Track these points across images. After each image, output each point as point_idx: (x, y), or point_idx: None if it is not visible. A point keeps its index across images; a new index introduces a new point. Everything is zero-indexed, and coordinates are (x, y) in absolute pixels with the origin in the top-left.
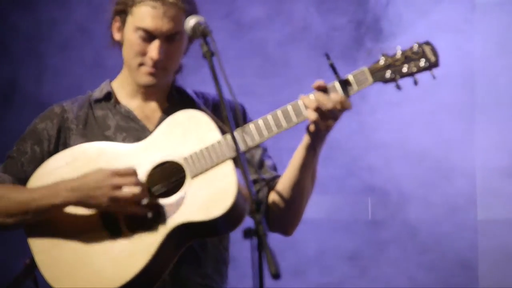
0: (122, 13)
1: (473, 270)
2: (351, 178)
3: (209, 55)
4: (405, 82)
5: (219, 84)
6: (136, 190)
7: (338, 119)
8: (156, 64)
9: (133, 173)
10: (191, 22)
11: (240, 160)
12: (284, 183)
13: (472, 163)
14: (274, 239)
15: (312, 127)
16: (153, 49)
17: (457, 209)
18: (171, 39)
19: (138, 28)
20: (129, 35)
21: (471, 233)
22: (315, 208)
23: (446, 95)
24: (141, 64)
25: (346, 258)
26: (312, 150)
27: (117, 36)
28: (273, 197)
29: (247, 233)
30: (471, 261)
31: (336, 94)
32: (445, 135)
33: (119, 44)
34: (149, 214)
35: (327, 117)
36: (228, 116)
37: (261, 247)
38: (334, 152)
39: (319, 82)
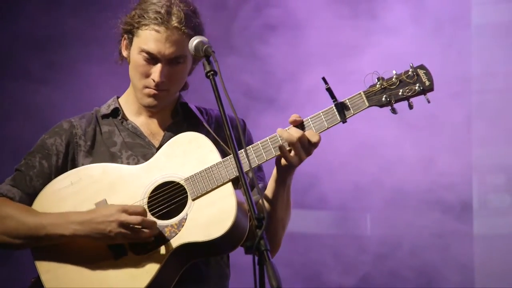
0: (129, 33)
1: (470, 283)
2: None
3: (212, 75)
4: (400, 106)
5: (222, 103)
6: (143, 231)
7: (309, 154)
8: (158, 86)
9: (142, 211)
10: (194, 42)
11: (242, 180)
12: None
13: (469, 178)
14: None
15: (283, 161)
16: (156, 72)
17: (453, 224)
18: (174, 62)
19: (142, 50)
20: (134, 55)
21: (467, 247)
22: None
23: (443, 113)
24: (145, 86)
25: None
26: (282, 183)
27: (125, 53)
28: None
29: (249, 249)
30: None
31: (308, 130)
32: (442, 153)
33: (127, 61)
34: (152, 238)
35: (300, 152)
36: (232, 136)
37: (262, 262)
38: None
39: (295, 116)
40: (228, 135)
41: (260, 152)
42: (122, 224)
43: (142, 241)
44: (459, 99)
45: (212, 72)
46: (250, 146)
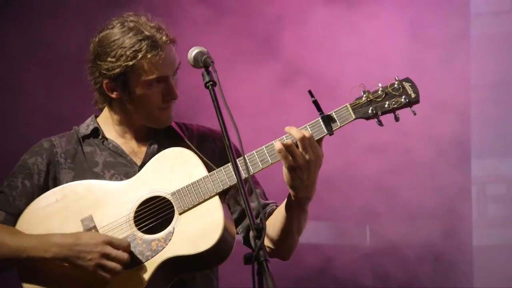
0: (120, 76)
1: None
2: None
3: (211, 85)
4: (386, 119)
5: (221, 114)
6: (124, 265)
7: (307, 162)
8: (171, 102)
9: (126, 246)
10: (193, 52)
11: (241, 190)
12: (273, 227)
13: (469, 188)
14: None
15: (285, 173)
16: (171, 89)
17: (454, 235)
18: (176, 71)
19: (151, 81)
20: (143, 91)
21: (467, 259)
22: None
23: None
24: (161, 109)
25: None
26: (298, 205)
27: (114, 95)
28: (266, 234)
29: (248, 259)
30: (467, 286)
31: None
32: (442, 163)
33: (117, 102)
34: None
35: (298, 164)
36: (230, 145)
37: (261, 272)
38: None
39: (290, 128)
40: (227, 145)
41: (256, 161)
42: (105, 256)
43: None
44: (458, 110)
45: (211, 83)
46: (246, 155)
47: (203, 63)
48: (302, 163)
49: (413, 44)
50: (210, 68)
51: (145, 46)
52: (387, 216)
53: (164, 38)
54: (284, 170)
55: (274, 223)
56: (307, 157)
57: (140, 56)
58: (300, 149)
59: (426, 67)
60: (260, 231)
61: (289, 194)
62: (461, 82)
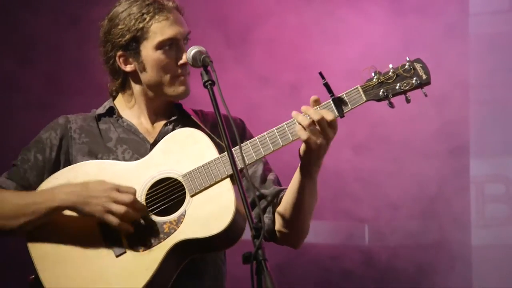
0: (133, 41)
1: None
2: None
3: (210, 84)
4: (397, 100)
5: (220, 113)
6: (130, 209)
7: (328, 140)
8: (185, 70)
9: (133, 192)
10: (192, 51)
11: (236, 177)
12: (285, 205)
13: (467, 188)
14: None
15: (302, 148)
16: (180, 54)
17: (452, 234)
18: (186, 41)
19: (161, 42)
20: (153, 56)
21: (465, 259)
22: None
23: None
24: (175, 76)
25: None
26: (308, 174)
27: (129, 67)
28: (277, 216)
29: (247, 258)
30: (466, 285)
31: (326, 110)
32: (440, 164)
33: (132, 73)
34: (130, 230)
35: (317, 134)
36: (226, 134)
37: (260, 271)
38: None
39: (314, 97)
40: (221, 129)
41: (258, 147)
42: (112, 200)
43: (124, 228)
44: (456, 109)
45: (210, 82)
46: (248, 141)
47: (202, 62)
48: (324, 142)
49: (412, 43)
50: (209, 68)
51: (152, 9)
52: (384, 216)
53: (170, 3)
54: (303, 146)
55: (286, 202)
56: (330, 135)
57: (148, 18)
58: (319, 129)
59: None
60: (259, 230)
61: (300, 166)
62: (460, 82)
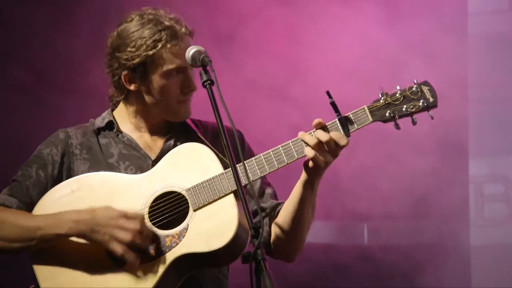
0: (139, 66)
1: None
2: None
3: (209, 84)
4: (403, 122)
5: (219, 113)
6: (137, 236)
7: (336, 156)
8: (189, 95)
9: (141, 218)
10: (191, 51)
11: (239, 191)
12: (284, 216)
13: (466, 188)
14: None
15: (310, 164)
16: (190, 80)
17: (451, 234)
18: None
19: (171, 71)
20: (158, 82)
21: (464, 259)
22: None
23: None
24: (179, 101)
25: None
26: (310, 186)
27: (133, 87)
28: (274, 228)
29: (246, 258)
30: (465, 285)
31: (335, 132)
32: (438, 164)
33: (133, 93)
34: (137, 263)
35: (325, 154)
36: (230, 149)
37: (259, 272)
38: None
39: (319, 120)
40: (225, 145)
41: (263, 164)
42: (120, 228)
43: (132, 259)
44: (455, 108)
45: (209, 82)
46: (253, 158)
47: (201, 62)
48: (332, 160)
49: (410, 43)
50: (208, 67)
51: (165, 36)
52: (383, 215)
53: (183, 29)
54: (310, 163)
55: (286, 213)
56: (338, 153)
57: (160, 45)
58: (327, 148)
59: (423, 66)
60: (258, 230)
61: (304, 179)
62: (458, 81)
